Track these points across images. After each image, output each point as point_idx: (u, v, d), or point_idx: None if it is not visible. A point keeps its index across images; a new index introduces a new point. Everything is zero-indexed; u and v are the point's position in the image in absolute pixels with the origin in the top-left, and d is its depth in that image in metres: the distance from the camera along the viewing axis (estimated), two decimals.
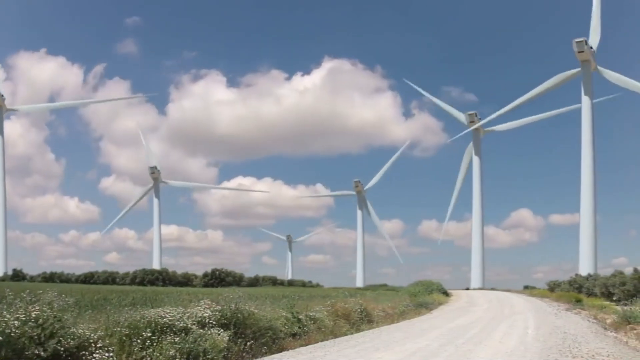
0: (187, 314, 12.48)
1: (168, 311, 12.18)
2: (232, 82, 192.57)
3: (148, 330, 11.06)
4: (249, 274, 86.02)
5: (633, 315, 19.83)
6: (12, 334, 8.87)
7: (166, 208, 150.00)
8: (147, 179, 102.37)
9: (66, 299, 10.65)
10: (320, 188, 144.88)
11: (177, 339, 11.22)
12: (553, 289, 54.46)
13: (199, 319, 12.52)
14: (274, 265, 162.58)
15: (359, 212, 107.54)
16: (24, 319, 9.23)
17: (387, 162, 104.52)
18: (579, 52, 68.10)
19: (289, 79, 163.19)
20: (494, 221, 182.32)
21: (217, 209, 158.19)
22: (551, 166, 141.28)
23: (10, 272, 75.85)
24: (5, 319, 9.02)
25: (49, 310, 9.72)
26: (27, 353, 8.96)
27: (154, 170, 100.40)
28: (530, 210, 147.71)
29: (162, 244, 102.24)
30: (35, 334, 9.19)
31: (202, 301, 14.16)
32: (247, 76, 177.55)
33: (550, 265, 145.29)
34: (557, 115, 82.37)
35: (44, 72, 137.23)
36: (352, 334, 18.47)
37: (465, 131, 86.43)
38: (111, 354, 10.00)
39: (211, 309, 13.41)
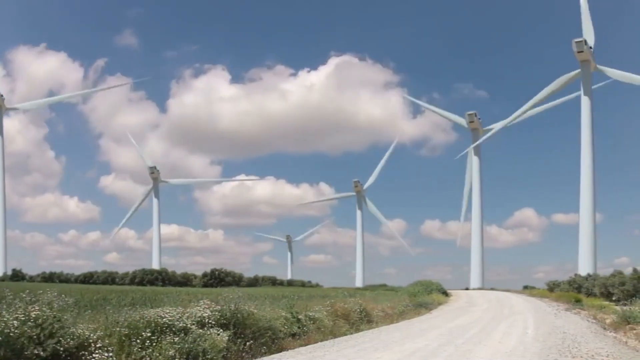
0: (186, 314, 12.48)
1: (167, 311, 12.18)
2: (236, 78, 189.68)
3: (147, 330, 11.06)
4: (250, 274, 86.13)
5: (632, 315, 19.84)
6: (11, 334, 8.87)
7: (167, 207, 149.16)
8: (147, 177, 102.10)
9: (66, 299, 10.65)
10: (323, 187, 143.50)
11: (177, 339, 11.22)
12: (552, 289, 54.47)
13: (199, 319, 12.52)
14: (275, 265, 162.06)
15: (358, 212, 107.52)
16: (23, 318, 9.23)
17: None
18: (579, 52, 68.14)
19: (294, 74, 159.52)
20: (497, 221, 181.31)
21: (218, 208, 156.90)
22: (555, 165, 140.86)
23: (9, 272, 75.84)
24: (5, 319, 9.02)
25: (48, 311, 9.72)
26: (26, 353, 8.96)
27: (153, 170, 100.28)
28: (533, 210, 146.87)
29: (162, 244, 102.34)
30: (34, 333, 9.19)
31: (201, 301, 14.16)
32: (251, 71, 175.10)
33: (552, 265, 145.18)
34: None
35: (44, 68, 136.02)
36: (351, 334, 18.47)
37: (477, 142, 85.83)
38: (111, 354, 10.00)
39: (211, 309, 13.41)
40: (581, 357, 13.11)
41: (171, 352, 10.74)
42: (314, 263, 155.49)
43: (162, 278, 76.40)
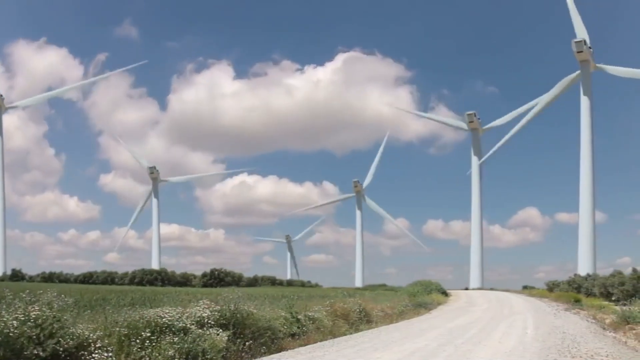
0: (186, 314, 12.48)
1: (167, 311, 12.18)
2: (240, 73, 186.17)
3: (147, 330, 11.05)
4: (251, 274, 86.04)
5: (632, 316, 19.84)
6: (11, 334, 8.87)
7: (167, 207, 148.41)
8: (148, 175, 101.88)
9: (65, 299, 10.64)
10: (327, 186, 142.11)
11: (176, 339, 11.22)
12: (552, 289, 54.49)
13: (198, 319, 12.52)
14: (275, 265, 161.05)
15: (357, 212, 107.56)
16: (22, 319, 9.23)
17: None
18: (578, 52, 68.23)
19: (301, 70, 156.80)
20: (499, 220, 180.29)
21: (219, 207, 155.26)
22: (559, 163, 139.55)
23: (9, 272, 75.82)
24: (4, 319, 9.01)
25: (48, 311, 9.72)
26: (25, 353, 8.96)
27: (152, 171, 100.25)
28: (537, 209, 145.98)
29: (163, 244, 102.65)
30: (34, 334, 9.19)
31: (201, 301, 14.16)
32: (256, 66, 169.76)
33: (553, 265, 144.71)
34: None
35: (44, 63, 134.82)
36: (351, 334, 18.47)
37: (483, 159, 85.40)
38: (110, 354, 10.00)
39: (210, 309, 13.40)
40: (580, 357, 13.11)
41: (171, 352, 10.73)
42: (315, 263, 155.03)
43: (161, 278, 76.40)
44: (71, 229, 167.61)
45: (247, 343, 13.14)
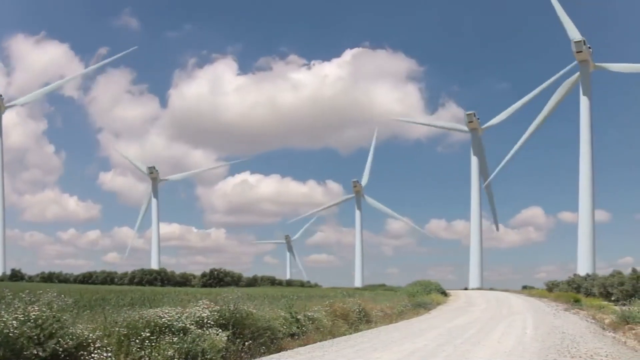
0: (185, 314, 12.48)
1: (166, 311, 12.18)
2: (244, 67, 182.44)
3: (146, 330, 11.05)
4: (251, 274, 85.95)
5: (631, 316, 19.85)
6: (11, 334, 8.87)
7: (168, 206, 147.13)
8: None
9: (65, 299, 10.64)
10: (331, 185, 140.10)
11: (176, 339, 11.22)
12: (551, 289, 54.52)
13: (198, 319, 12.52)
14: (276, 265, 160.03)
15: (357, 212, 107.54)
16: (22, 319, 9.23)
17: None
18: (578, 52, 68.31)
19: (307, 65, 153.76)
20: (503, 220, 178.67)
21: (220, 206, 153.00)
22: (563, 162, 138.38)
23: (8, 272, 75.78)
24: (4, 319, 9.01)
25: (48, 311, 9.72)
26: (25, 353, 8.96)
27: (152, 171, 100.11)
28: (541, 208, 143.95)
29: (163, 243, 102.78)
30: (34, 334, 9.19)
31: (200, 301, 14.17)
32: (261, 61, 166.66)
33: (555, 265, 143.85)
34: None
35: (44, 58, 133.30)
36: (350, 334, 18.47)
37: (495, 172, 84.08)
38: (109, 354, 10.00)
39: (210, 309, 13.41)
40: (580, 357, 13.12)
41: (170, 352, 10.73)
42: (315, 263, 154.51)
43: (161, 278, 76.37)
44: (71, 228, 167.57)
45: (246, 343, 13.14)
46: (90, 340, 9.96)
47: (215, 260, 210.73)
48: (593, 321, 23.83)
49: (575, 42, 68.16)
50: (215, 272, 77.53)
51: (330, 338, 16.94)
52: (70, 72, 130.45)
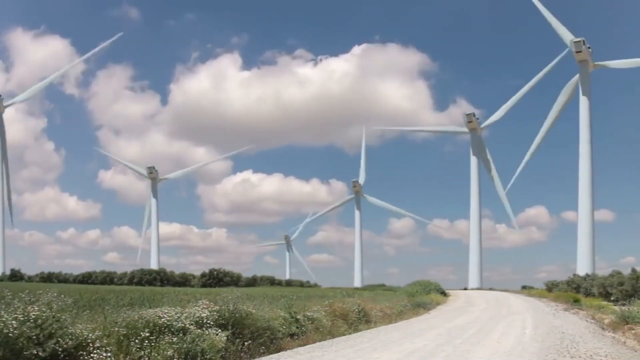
0: (185, 314, 12.47)
1: (166, 311, 12.18)
2: (249, 62, 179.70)
3: (146, 330, 11.05)
4: (252, 274, 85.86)
5: (631, 316, 19.86)
6: (10, 334, 8.87)
7: (169, 205, 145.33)
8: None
9: (64, 299, 10.64)
10: (335, 184, 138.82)
11: (175, 339, 11.22)
12: (551, 289, 54.53)
13: (197, 319, 12.51)
14: (277, 265, 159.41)
15: (356, 212, 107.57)
16: (22, 319, 9.23)
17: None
18: (577, 52, 68.36)
19: (315, 60, 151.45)
20: (506, 219, 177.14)
21: (221, 205, 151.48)
22: (567, 161, 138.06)
23: (8, 272, 75.74)
24: (4, 319, 9.01)
25: (47, 311, 9.71)
26: (25, 353, 8.96)
27: (151, 171, 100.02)
28: (545, 208, 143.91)
29: (163, 243, 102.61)
30: (33, 334, 9.19)
31: (200, 301, 14.16)
32: (266, 55, 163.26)
33: (556, 265, 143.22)
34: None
35: (44, 53, 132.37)
36: (350, 334, 18.47)
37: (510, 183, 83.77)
38: (109, 354, 10.00)
39: (209, 309, 13.41)
40: (579, 357, 13.12)
41: (169, 352, 10.73)
42: (316, 263, 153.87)
43: (160, 278, 76.34)
44: (70, 227, 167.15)
45: (246, 343, 13.14)
46: (89, 340, 9.96)
47: (215, 260, 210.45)
48: (592, 321, 23.83)
49: (575, 42, 68.22)
50: (215, 272, 77.51)
51: (330, 338, 16.95)
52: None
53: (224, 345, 12.09)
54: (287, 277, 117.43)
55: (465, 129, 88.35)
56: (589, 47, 68.98)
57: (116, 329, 10.91)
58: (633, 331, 17.95)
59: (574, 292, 45.56)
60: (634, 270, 40.30)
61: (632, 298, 26.33)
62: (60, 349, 9.37)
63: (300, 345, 15.12)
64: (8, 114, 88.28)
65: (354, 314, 21.65)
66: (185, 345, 11.09)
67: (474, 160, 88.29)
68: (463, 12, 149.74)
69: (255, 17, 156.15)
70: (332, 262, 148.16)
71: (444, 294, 47.50)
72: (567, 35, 69.32)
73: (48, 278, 75.24)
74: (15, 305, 9.63)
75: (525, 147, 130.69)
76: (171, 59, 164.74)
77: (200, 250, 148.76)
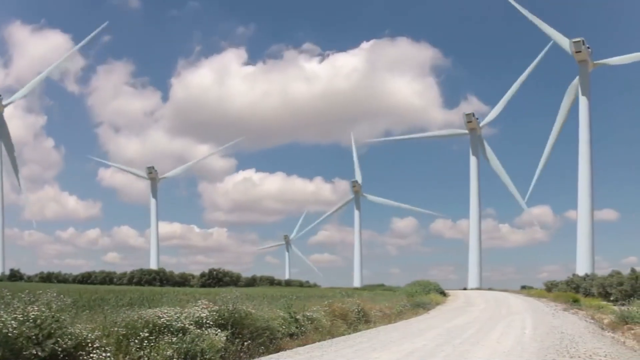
0: (184, 314, 12.48)
1: (165, 311, 12.18)
2: (254, 56, 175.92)
3: (145, 330, 11.06)
4: (252, 273, 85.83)
5: (630, 316, 19.86)
6: (10, 334, 8.87)
7: (169, 204, 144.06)
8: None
9: (64, 299, 10.64)
10: (339, 183, 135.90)
11: (175, 339, 11.22)
12: (550, 289, 54.53)
13: (197, 319, 12.52)
14: (278, 265, 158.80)
15: (356, 212, 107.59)
16: (21, 319, 9.23)
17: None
18: (577, 52, 68.38)
19: (322, 55, 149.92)
20: (509, 219, 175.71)
21: (222, 204, 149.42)
22: (570, 160, 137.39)
23: (7, 272, 75.68)
24: (3, 319, 9.01)
25: (47, 311, 9.71)
26: (25, 353, 8.96)
27: (151, 171, 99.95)
28: (549, 207, 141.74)
29: (164, 243, 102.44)
30: (33, 334, 9.19)
31: (199, 301, 14.17)
32: (272, 49, 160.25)
33: (557, 265, 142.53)
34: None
35: (44, 48, 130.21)
36: (349, 334, 18.47)
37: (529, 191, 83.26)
38: (108, 354, 10.00)
39: (209, 309, 13.41)
40: (579, 357, 13.13)
41: (169, 352, 10.74)
42: (317, 262, 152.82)
43: (160, 278, 76.30)
44: (70, 227, 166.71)
45: (245, 343, 13.14)
46: (89, 340, 9.96)
47: (216, 260, 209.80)
48: (592, 321, 23.84)
49: (574, 42, 68.24)
50: (214, 272, 77.50)
51: (329, 338, 16.95)
52: (70, 62, 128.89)
53: (223, 345, 12.09)
54: (287, 277, 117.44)
55: (465, 130, 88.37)
56: (588, 47, 68.99)
57: (115, 329, 10.91)
58: (632, 331, 17.96)
59: (574, 292, 45.55)
60: (633, 271, 40.33)
61: (632, 298, 26.34)
62: (59, 349, 9.37)
63: (299, 345, 15.12)
64: (7, 110, 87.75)
65: (354, 314, 21.65)
66: (184, 345, 11.09)
67: (473, 160, 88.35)
68: (477, 7, 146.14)
69: (262, 8, 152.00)
70: (334, 262, 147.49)
71: (443, 294, 47.50)
72: (562, 41, 69.72)
73: (47, 278, 75.16)
74: (15, 305, 9.63)
75: (527, 144, 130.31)
76: (173, 52, 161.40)
77: (201, 249, 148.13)
